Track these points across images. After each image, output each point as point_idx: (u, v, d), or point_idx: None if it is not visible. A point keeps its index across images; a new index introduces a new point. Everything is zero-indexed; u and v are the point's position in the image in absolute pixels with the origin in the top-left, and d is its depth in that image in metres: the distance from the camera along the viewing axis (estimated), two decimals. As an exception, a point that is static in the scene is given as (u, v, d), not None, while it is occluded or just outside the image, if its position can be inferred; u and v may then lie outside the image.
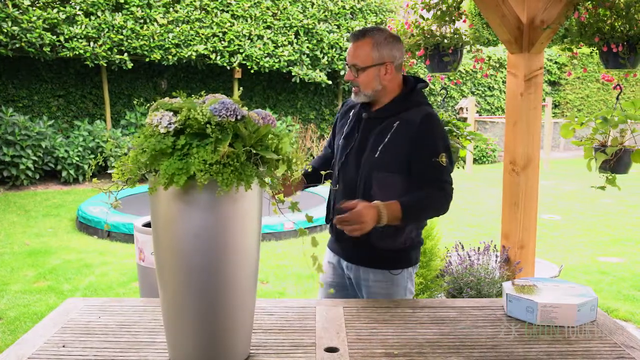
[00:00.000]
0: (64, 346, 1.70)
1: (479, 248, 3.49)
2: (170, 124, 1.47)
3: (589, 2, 2.98)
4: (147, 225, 2.58)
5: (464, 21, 3.50)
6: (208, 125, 1.44)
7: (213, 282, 1.51)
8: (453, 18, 3.39)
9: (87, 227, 6.69)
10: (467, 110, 12.44)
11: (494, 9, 3.09)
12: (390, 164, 2.14)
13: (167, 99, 1.57)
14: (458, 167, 3.28)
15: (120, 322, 1.89)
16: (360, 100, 2.22)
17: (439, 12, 3.38)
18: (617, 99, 3.08)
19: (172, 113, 1.49)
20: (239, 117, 1.49)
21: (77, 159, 9.57)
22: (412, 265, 2.28)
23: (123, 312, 1.98)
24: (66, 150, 9.57)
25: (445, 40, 3.36)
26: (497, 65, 14.10)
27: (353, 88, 2.21)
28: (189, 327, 1.54)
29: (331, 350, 1.70)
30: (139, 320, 1.90)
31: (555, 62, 15.19)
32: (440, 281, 3.44)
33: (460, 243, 3.55)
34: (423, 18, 3.45)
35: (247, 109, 1.56)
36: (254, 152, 1.48)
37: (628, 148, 2.86)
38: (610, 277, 5.07)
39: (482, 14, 3.21)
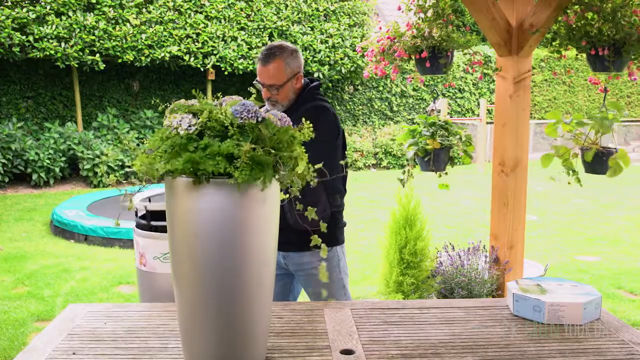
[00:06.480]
0: (74, 353, 1.66)
1: (468, 248, 3.52)
2: (190, 126, 1.45)
3: (577, 6, 3.03)
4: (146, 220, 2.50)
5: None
6: (230, 127, 1.42)
7: (232, 285, 1.49)
8: (440, 22, 3.40)
9: (62, 231, 6.55)
10: (439, 112, 12.57)
11: (485, 12, 3.12)
12: None
13: (182, 100, 1.55)
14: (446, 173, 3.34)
15: (128, 328, 1.85)
16: (277, 111, 2.33)
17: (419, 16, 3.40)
18: (604, 100, 3.13)
19: (191, 115, 1.47)
20: (259, 119, 1.48)
21: (48, 161, 9.36)
22: (339, 244, 2.53)
23: (128, 317, 1.94)
24: (36, 153, 9.36)
25: (426, 42, 3.37)
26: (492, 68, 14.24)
27: (268, 101, 2.40)
28: (207, 331, 1.51)
29: (347, 352, 1.69)
30: (146, 326, 1.87)
31: (524, 65, 15.43)
32: (432, 281, 3.46)
33: (450, 244, 3.57)
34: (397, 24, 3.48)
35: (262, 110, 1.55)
36: (274, 152, 1.47)
37: (610, 149, 2.91)
38: (589, 276, 5.17)
39: (472, 16, 3.24)
